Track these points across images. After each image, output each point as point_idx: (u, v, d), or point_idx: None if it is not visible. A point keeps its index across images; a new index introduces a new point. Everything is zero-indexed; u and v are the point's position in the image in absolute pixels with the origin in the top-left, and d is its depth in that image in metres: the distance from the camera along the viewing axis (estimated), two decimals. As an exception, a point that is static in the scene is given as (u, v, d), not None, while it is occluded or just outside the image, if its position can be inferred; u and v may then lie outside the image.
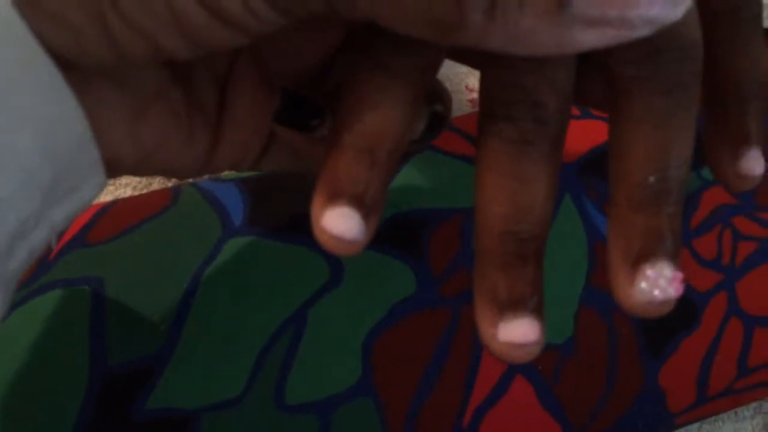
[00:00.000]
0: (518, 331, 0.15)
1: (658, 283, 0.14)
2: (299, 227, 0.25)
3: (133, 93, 0.16)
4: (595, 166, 0.27)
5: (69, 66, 0.14)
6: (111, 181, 0.32)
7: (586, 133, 0.28)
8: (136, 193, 0.32)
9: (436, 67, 0.17)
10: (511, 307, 0.15)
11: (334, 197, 0.15)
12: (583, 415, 0.25)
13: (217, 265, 0.24)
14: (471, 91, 0.36)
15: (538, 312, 0.16)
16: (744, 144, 0.17)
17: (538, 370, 0.25)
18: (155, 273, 0.24)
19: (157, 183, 0.32)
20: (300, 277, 0.24)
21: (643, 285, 0.14)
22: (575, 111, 0.30)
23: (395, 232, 0.25)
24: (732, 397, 0.28)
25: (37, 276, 0.24)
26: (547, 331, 0.25)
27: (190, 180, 0.32)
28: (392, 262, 0.25)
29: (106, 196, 0.32)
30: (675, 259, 0.15)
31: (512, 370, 0.24)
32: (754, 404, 0.30)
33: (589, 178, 0.27)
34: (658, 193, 0.15)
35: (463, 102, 0.36)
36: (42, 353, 0.22)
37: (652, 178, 0.15)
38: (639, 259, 0.15)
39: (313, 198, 0.15)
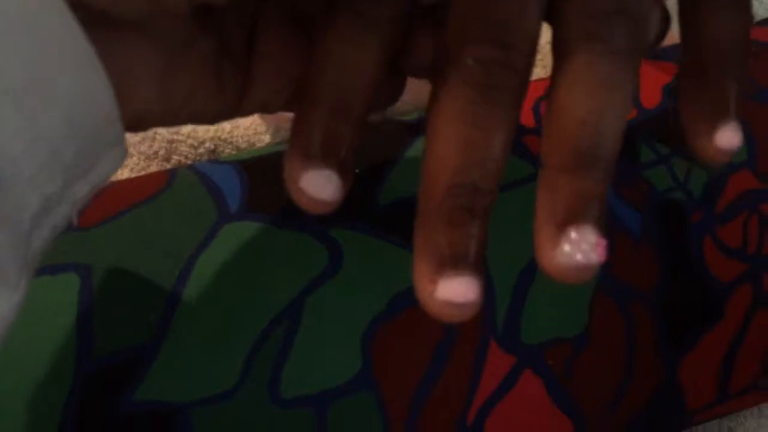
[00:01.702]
0: (458, 290, 0.15)
1: (581, 247, 0.14)
2: (298, 211, 0.24)
3: (165, 44, 0.16)
4: (613, 149, 0.26)
5: (102, 20, 0.13)
6: (108, 163, 0.31)
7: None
8: (134, 174, 0.31)
9: (407, 19, 0.16)
10: (452, 264, 0.15)
11: (311, 158, 0.15)
12: (596, 411, 0.24)
13: (211, 251, 0.23)
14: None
15: (480, 270, 0.15)
16: (723, 115, 0.16)
17: (548, 364, 0.23)
18: (146, 260, 0.23)
19: (155, 165, 0.31)
20: (297, 265, 0.23)
21: (567, 248, 0.14)
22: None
23: (398, 217, 0.24)
24: (754, 395, 0.26)
25: (24, 261, 0.23)
26: (559, 324, 0.24)
27: (188, 162, 0.31)
28: (395, 250, 0.23)
29: (104, 179, 0.31)
30: (600, 225, 0.15)
31: (520, 365, 0.23)
32: (779, 401, 0.28)
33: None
34: (590, 158, 0.15)
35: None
36: (27, 343, 0.21)
37: (585, 142, 0.15)
38: (564, 222, 0.15)
39: (286, 156, 0.15)
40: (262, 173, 0.26)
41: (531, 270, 0.23)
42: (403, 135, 0.27)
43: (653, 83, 0.28)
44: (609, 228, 0.24)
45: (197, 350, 0.22)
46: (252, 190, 0.25)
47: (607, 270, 0.24)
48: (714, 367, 0.25)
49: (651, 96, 0.27)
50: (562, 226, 0.15)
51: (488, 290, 0.23)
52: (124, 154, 0.15)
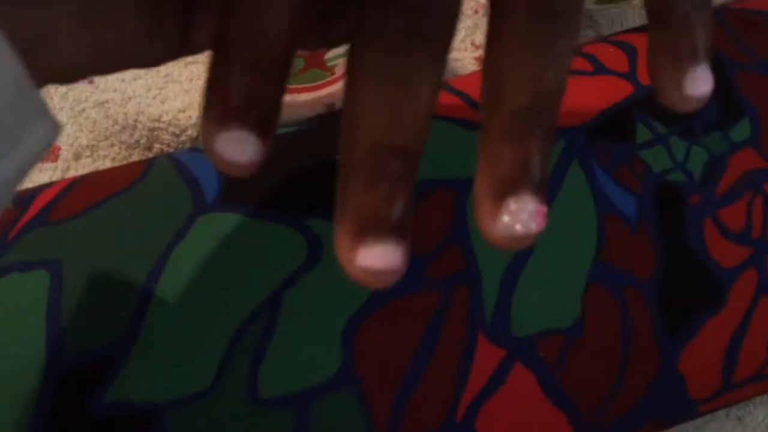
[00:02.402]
0: (379, 257, 0.14)
1: (520, 218, 0.14)
2: (276, 202, 0.23)
3: None
4: (609, 129, 0.24)
5: None
6: (89, 153, 0.30)
7: (597, 92, 0.25)
8: (116, 164, 0.30)
9: None
10: (374, 229, 0.14)
11: (227, 118, 0.14)
12: (592, 404, 0.23)
13: (186, 244, 0.22)
14: (477, 48, 0.33)
15: (404, 236, 0.14)
16: (691, 59, 0.15)
17: (541, 356, 0.22)
18: (118, 254, 0.22)
19: (137, 154, 0.30)
20: (275, 258, 0.22)
21: (506, 218, 0.14)
22: (587, 66, 0.27)
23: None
24: (762, 383, 0.25)
25: (-6, 259, 0.22)
26: (551, 314, 0.23)
27: (169, 150, 0.30)
28: (376, 240, 0.22)
29: (85, 168, 0.30)
30: (540, 193, 0.14)
31: (511, 358, 0.22)
32: (787, 389, 0.27)
33: (600, 141, 0.24)
34: (529, 124, 0.14)
35: (468, 60, 0.33)
36: (-6, 344, 0.21)
37: (524, 108, 0.14)
38: (504, 192, 0.14)
39: (202, 112, 0.14)
40: (241, 162, 0.25)
41: (520, 260, 0.22)
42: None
43: (652, 58, 0.26)
44: (602, 212, 0.23)
45: (171, 348, 0.21)
46: (229, 180, 0.24)
47: (600, 257, 0.23)
48: (717, 355, 0.24)
49: (649, 72, 0.26)
50: (501, 197, 0.14)
51: (476, 281, 0.22)
52: (56, 126, 0.14)
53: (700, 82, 0.15)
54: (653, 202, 0.23)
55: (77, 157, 0.30)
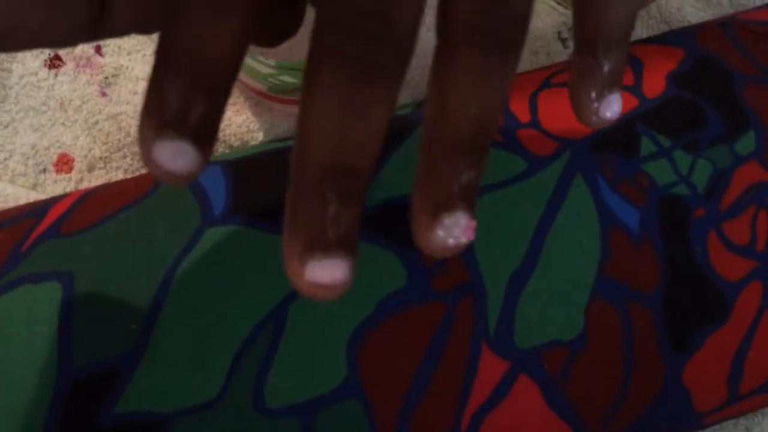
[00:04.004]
0: (327, 272, 0.14)
1: (453, 233, 0.15)
2: (283, 214, 0.23)
3: None
4: (613, 142, 0.25)
5: None
6: (102, 165, 0.30)
7: (603, 105, 0.25)
8: (128, 176, 0.30)
9: None
10: (322, 246, 0.15)
11: (164, 126, 0.14)
12: (596, 416, 0.23)
13: (194, 257, 0.23)
14: (485, 59, 0.33)
15: (351, 252, 0.15)
16: (607, 86, 0.17)
17: (545, 369, 0.22)
18: (128, 266, 0.22)
19: (149, 166, 0.31)
20: (281, 269, 0.22)
21: (440, 233, 0.15)
22: (593, 79, 0.27)
23: (384, 219, 0.23)
24: (768, 395, 0.25)
25: (7, 269, 0.23)
26: (555, 327, 0.23)
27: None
28: (381, 253, 0.22)
29: (99, 180, 0.31)
30: (471, 210, 0.16)
31: (515, 370, 0.22)
32: (793, 402, 0.27)
33: (604, 154, 0.24)
34: (465, 148, 0.15)
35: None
36: (7, 354, 0.21)
37: (463, 134, 0.15)
38: (439, 208, 0.15)
39: (139, 118, 0.14)
40: (249, 174, 0.25)
41: (524, 271, 0.22)
42: (395, 131, 0.26)
43: (656, 70, 0.27)
44: (606, 226, 0.23)
45: (179, 359, 0.21)
46: (237, 192, 0.24)
47: (604, 271, 0.23)
48: (723, 368, 0.24)
49: (654, 84, 0.26)
50: (437, 214, 0.15)
51: (480, 293, 0.22)
52: None
53: (613, 106, 0.17)
54: (657, 215, 0.23)
55: (91, 168, 0.30)
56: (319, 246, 0.15)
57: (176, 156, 0.14)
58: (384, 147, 0.25)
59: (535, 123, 0.25)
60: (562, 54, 0.34)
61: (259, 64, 0.27)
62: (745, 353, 0.24)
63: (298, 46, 0.25)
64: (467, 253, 0.22)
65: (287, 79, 0.27)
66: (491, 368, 0.22)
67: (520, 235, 0.23)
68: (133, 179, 0.26)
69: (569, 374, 0.22)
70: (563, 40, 0.34)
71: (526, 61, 0.34)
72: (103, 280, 0.22)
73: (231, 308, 0.22)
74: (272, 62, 0.26)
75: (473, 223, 0.16)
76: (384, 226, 0.23)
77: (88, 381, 0.21)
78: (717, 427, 0.30)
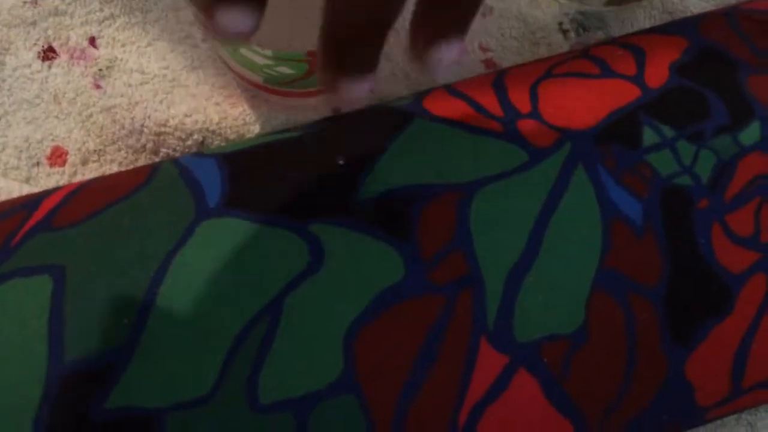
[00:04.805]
0: (233, 19, 0.15)
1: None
2: (279, 207, 0.23)
3: None
4: (615, 133, 0.24)
5: None
6: (96, 158, 0.30)
7: (604, 95, 0.25)
8: (123, 169, 0.30)
9: None
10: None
11: None
12: (597, 411, 0.23)
13: (187, 250, 0.22)
14: (485, 51, 0.33)
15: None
16: (447, 32, 0.17)
17: (545, 363, 0.22)
18: (121, 260, 0.22)
19: (144, 159, 0.30)
20: (276, 263, 0.22)
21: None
22: (593, 69, 0.26)
23: (382, 211, 0.23)
24: (773, 390, 0.25)
25: (-2, 264, 0.22)
26: (555, 320, 0.22)
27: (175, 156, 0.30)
28: (378, 246, 0.22)
29: (93, 173, 0.30)
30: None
31: (514, 364, 0.22)
32: (798, 397, 0.27)
33: (606, 145, 0.24)
34: None
35: (475, 63, 0.33)
36: (-4, 349, 0.21)
37: None
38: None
39: None
40: (244, 167, 0.25)
41: (524, 264, 0.22)
42: (393, 121, 0.25)
43: (659, 60, 0.26)
44: (607, 217, 0.23)
45: (172, 353, 0.21)
46: (232, 185, 0.24)
47: (605, 263, 0.22)
48: (726, 361, 0.23)
49: (657, 74, 0.26)
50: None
51: (478, 285, 0.22)
52: None
53: (450, 53, 0.17)
54: (660, 206, 0.23)
55: (85, 161, 0.30)
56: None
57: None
58: (381, 138, 0.25)
59: (535, 114, 0.25)
60: (564, 45, 0.33)
61: (255, 54, 0.26)
62: (748, 346, 0.23)
63: (293, 35, 0.25)
64: (466, 245, 0.22)
65: (284, 70, 0.27)
66: (490, 362, 0.22)
67: (520, 228, 0.22)
68: (127, 172, 0.26)
69: (569, 368, 0.22)
70: (564, 32, 0.34)
71: (527, 52, 0.33)
72: (94, 274, 0.22)
73: (225, 303, 0.21)
74: (268, 52, 0.26)
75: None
76: (381, 219, 0.22)
77: (79, 376, 0.20)
78: (719, 422, 0.30)
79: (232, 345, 0.21)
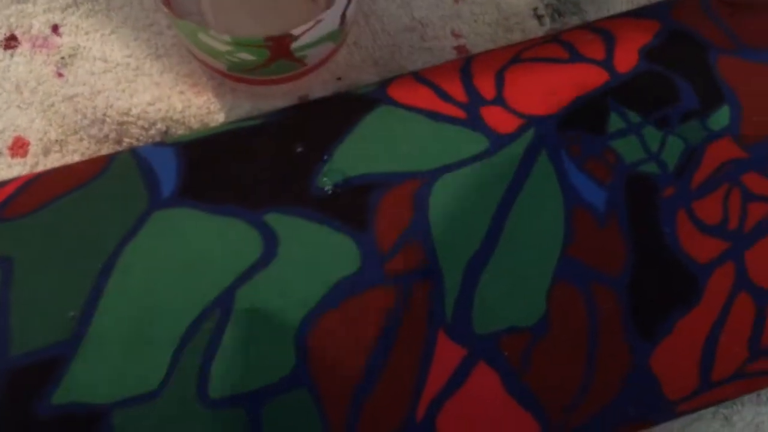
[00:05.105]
0: None
1: None
2: (236, 197, 0.22)
3: None
4: (580, 118, 0.24)
5: None
6: (58, 148, 0.29)
7: (571, 80, 0.24)
8: (85, 159, 0.29)
9: None
10: None
11: None
12: (560, 405, 0.22)
13: (139, 241, 0.22)
14: (457, 36, 0.32)
15: None
16: None
17: (504, 356, 0.21)
18: (69, 252, 0.21)
19: (107, 148, 0.30)
20: (229, 254, 0.21)
21: None
22: (562, 54, 0.26)
23: (339, 200, 0.22)
24: (745, 382, 0.24)
25: (-55, 256, 0.22)
26: (515, 312, 0.22)
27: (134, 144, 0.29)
28: (334, 236, 0.21)
29: (54, 163, 0.30)
30: None
31: (473, 357, 0.21)
32: (772, 388, 0.26)
33: (571, 131, 0.23)
34: None
35: (447, 49, 0.32)
36: (-61, 343, 0.20)
37: None
38: None
39: None
40: (202, 156, 0.24)
41: (483, 254, 0.21)
42: (355, 109, 0.25)
43: (629, 44, 0.25)
44: (570, 205, 0.22)
45: (119, 348, 0.20)
46: (189, 174, 0.23)
47: (567, 252, 0.22)
48: (693, 353, 0.23)
49: (625, 58, 0.25)
50: None
51: (436, 277, 0.21)
52: None
53: None
54: (624, 194, 0.22)
55: (46, 152, 0.29)
56: None
57: None
58: (342, 126, 0.24)
59: (500, 100, 0.24)
60: (538, 31, 0.33)
61: (214, 40, 0.25)
62: (716, 339, 0.23)
63: (251, 21, 0.24)
64: (423, 235, 0.21)
65: (245, 56, 0.26)
66: (448, 355, 0.21)
67: (480, 217, 0.22)
68: (84, 162, 0.25)
69: (530, 361, 0.21)
70: (539, 17, 0.33)
71: (501, 39, 0.33)
72: (42, 266, 0.21)
73: (175, 295, 0.21)
74: (227, 38, 0.25)
75: None
76: (338, 208, 0.22)
77: (24, 371, 0.20)
78: (695, 416, 0.29)
79: (182, 338, 0.20)
